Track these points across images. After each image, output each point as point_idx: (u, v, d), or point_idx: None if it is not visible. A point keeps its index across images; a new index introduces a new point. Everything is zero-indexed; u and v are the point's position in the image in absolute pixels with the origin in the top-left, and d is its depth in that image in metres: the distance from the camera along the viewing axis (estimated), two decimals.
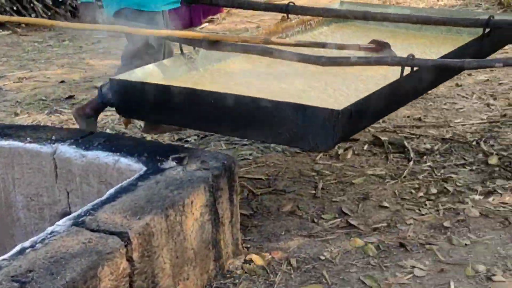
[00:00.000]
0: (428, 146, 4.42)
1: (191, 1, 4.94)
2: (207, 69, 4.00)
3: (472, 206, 3.53)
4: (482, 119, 4.88)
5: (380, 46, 4.11)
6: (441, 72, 3.84)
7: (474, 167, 4.05)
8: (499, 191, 3.71)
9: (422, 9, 6.17)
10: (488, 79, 5.74)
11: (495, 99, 5.33)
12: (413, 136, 4.60)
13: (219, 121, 3.37)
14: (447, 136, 4.57)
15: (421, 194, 3.71)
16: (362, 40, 4.30)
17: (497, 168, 4.01)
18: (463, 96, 5.44)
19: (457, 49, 3.88)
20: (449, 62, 3.63)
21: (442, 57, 3.73)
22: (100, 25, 4.12)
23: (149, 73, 3.76)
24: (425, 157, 4.23)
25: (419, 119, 4.92)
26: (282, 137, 3.20)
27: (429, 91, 4.86)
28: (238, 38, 4.02)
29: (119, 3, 4.31)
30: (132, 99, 3.59)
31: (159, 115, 3.59)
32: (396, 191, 3.77)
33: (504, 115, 4.91)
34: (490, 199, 3.62)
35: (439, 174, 3.97)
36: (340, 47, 3.99)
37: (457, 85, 5.65)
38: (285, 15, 4.72)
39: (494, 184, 3.80)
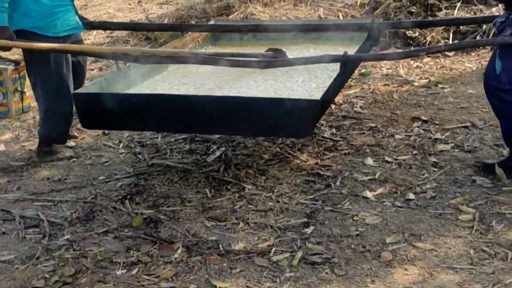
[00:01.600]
0: (67, 213, 3.95)
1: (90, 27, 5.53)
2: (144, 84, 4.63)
3: (114, 285, 3.16)
4: (128, 172, 4.54)
5: (277, 52, 4.73)
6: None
7: (118, 234, 3.66)
8: (144, 260, 3.38)
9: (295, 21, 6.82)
10: None
11: (142, 146, 5.05)
12: (51, 203, 4.14)
13: (197, 122, 3.90)
14: (89, 198, 4.16)
15: (56, 278, 3.24)
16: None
17: (142, 232, 3.67)
18: (110, 147, 5.11)
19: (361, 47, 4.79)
20: (383, 56, 4.90)
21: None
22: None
23: (103, 88, 4.28)
24: (63, 228, 3.77)
25: (59, 180, 4.51)
26: (264, 129, 3.89)
27: None
28: (169, 52, 4.51)
29: (19, 24, 4.55)
30: (99, 110, 3.98)
31: (143, 122, 4.08)
32: (26, 279, 3.26)
33: (152, 165, 4.64)
34: (134, 271, 3.28)
35: (78, 248, 3.53)
36: (250, 55, 4.61)
37: (104, 133, 5.35)
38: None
39: (139, 251, 3.47)
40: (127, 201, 4.11)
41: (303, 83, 4.52)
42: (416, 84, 6.26)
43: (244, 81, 4.64)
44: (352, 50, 4.65)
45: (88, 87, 4.33)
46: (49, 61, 4.60)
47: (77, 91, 4.23)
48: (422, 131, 5.00)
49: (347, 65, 4.30)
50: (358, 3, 8.53)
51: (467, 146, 4.67)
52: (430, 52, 5.47)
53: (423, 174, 4.27)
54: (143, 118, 4.00)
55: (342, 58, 4.11)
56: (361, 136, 4.96)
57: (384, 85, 6.30)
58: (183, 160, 4.72)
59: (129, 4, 9.93)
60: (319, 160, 4.54)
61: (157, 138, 5.23)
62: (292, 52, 5.18)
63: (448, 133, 4.92)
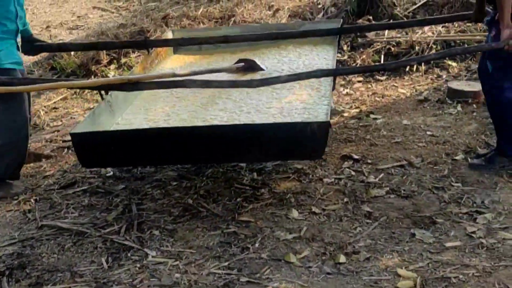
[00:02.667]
0: None
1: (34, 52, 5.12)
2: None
3: None
4: (13, 238, 3.94)
5: (248, 63, 4.98)
6: None
7: None
8: None
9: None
10: None
11: (36, 200, 4.48)
12: None
13: (209, 152, 3.84)
14: None
15: None
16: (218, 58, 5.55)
17: None
18: None
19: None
20: (374, 67, 5.53)
21: None
22: None
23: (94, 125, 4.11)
24: None
25: None
26: (278, 154, 3.87)
27: None
28: (153, 76, 4.41)
29: None
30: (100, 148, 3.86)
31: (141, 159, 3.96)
32: None
33: (42, 227, 4.05)
34: None
35: None
36: (224, 70, 4.89)
37: None
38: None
39: None
40: (4, 278, 3.47)
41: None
42: (346, 114, 5.79)
43: (224, 98, 4.65)
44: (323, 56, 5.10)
45: (82, 125, 4.01)
46: (9, 94, 4.31)
47: (73, 130, 3.87)
48: (353, 173, 4.50)
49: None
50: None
51: (403, 190, 4.19)
52: (421, 60, 5.68)
53: (356, 228, 3.76)
54: (148, 153, 3.86)
55: (334, 72, 4.28)
56: (285, 181, 4.43)
57: None
58: (79, 220, 4.11)
59: (36, 31, 9.21)
60: (236, 215, 3.99)
61: (53, 190, 4.60)
62: (262, 60, 5.30)
63: (382, 175, 4.44)
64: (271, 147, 3.75)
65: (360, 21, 7.61)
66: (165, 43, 5.52)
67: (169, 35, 6.04)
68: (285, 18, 8.13)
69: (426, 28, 7.43)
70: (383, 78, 6.74)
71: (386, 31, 7.48)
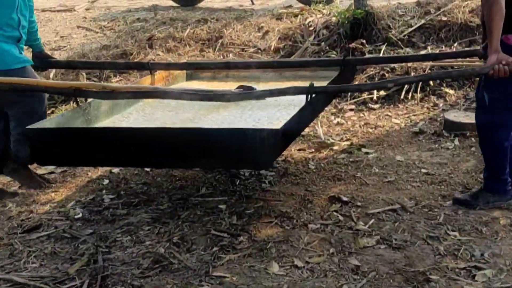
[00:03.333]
0: None
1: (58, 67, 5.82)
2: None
3: None
4: None
5: (248, 89, 4.82)
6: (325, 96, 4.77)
7: None
8: None
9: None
10: None
11: None
12: None
13: (159, 155, 3.83)
14: None
15: None
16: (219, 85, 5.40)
17: None
18: None
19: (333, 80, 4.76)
20: (347, 87, 4.86)
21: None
22: None
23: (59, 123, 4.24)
24: None
25: None
26: (225, 162, 3.85)
27: None
28: (130, 87, 4.40)
29: None
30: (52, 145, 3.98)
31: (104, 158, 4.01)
32: None
33: None
34: None
35: None
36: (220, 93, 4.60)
37: None
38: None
39: None
40: None
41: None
42: (336, 148, 5.47)
43: (210, 116, 4.65)
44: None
45: (42, 122, 4.25)
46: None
47: (29, 126, 4.10)
48: (341, 218, 4.16)
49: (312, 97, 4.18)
50: (272, 48, 7.73)
51: (395, 240, 3.85)
52: (398, 83, 5.12)
53: (341, 286, 3.42)
54: (98, 152, 3.92)
55: (307, 90, 4.06)
56: (266, 227, 4.09)
57: (299, 149, 5.48)
58: (40, 271, 3.76)
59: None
60: (211, 268, 3.64)
61: (16, 234, 4.25)
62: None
63: (372, 221, 4.10)
64: (220, 153, 3.71)
65: (353, 44, 7.29)
66: (168, 66, 5.64)
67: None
68: (274, 41, 7.82)
69: (422, 53, 7.12)
70: (376, 106, 6.44)
71: (381, 54, 7.17)
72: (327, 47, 7.38)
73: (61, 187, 5.09)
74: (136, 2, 11.76)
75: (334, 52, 7.28)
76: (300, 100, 4.19)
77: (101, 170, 5.35)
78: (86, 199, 4.77)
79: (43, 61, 5.14)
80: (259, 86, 5.14)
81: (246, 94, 4.28)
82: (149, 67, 5.27)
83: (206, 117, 4.64)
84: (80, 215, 4.48)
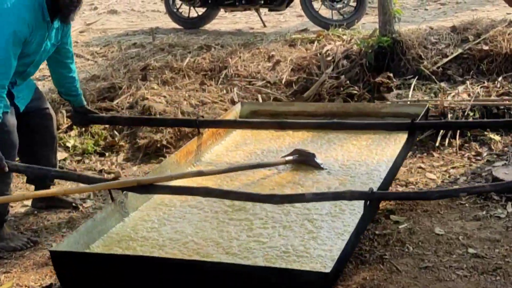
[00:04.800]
0: None
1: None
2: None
3: None
4: None
5: (305, 156, 4.70)
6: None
7: None
8: None
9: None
10: None
11: None
12: None
13: None
14: None
15: None
16: (273, 145, 5.23)
17: None
18: None
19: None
20: (408, 195, 4.27)
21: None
22: None
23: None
24: None
25: None
26: None
27: None
28: (170, 177, 4.16)
29: None
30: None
31: None
32: None
33: None
34: None
35: None
36: (269, 164, 4.67)
37: None
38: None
39: None
40: None
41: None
42: None
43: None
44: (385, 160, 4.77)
45: (69, 238, 3.77)
46: None
47: (53, 248, 3.79)
48: None
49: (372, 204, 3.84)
50: (284, 81, 6.80)
51: None
52: (472, 192, 4.44)
53: None
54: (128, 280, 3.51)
55: (367, 196, 3.66)
56: None
57: None
58: None
59: None
60: None
61: None
62: (321, 153, 4.98)
63: None
64: None
65: (378, 78, 6.35)
66: (216, 124, 5.39)
67: (237, 107, 5.80)
68: (286, 72, 6.89)
69: (460, 89, 6.17)
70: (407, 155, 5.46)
71: (410, 92, 6.22)
72: (348, 81, 6.44)
73: (16, 264, 4.19)
74: (136, 23, 10.89)
75: (356, 88, 6.34)
76: None
77: None
78: (42, 285, 3.88)
79: (84, 117, 5.01)
80: (314, 145, 5.09)
81: (297, 196, 3.93)
82: (197, 125, 5.17)
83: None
84: None
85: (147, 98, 6.63)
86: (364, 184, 4.44)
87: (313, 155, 4.75)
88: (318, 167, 4.73)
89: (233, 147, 5.30)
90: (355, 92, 6.31)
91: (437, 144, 5.57)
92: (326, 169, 4.71)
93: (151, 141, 6.04)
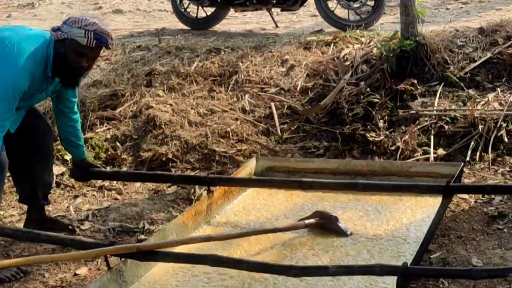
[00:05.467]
0: None
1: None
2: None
3: None
4: None
5: (326, 219, 4.20)
6: None
7: None
8: None
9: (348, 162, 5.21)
10: None
11: None
12: None
13: None
14: None
15: None
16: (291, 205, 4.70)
17: None
18: None
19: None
20: (453, 272, 3.48)
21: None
22: None
23: None
24: None
25: None
26: None
27: None
28: (175, 242, 3.79)
29: None
30: None
31: None
32: None
33: None
34: None
35: None
36: (287, 229, 4.15)
37: None
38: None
39: None
40: None
41: None
42: None
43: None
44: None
45: None
46: None
47: None
48: None
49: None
50: (299, 88, 6.38)
51: None
52: None
53: None
54: None
55: (401, 271, 3.21)
56: None
57: None
58: None
59: None
60: None
61: None
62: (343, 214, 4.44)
63: None
64: None
65: (401, 86, 5.93)
66: (229, 182, 4.82)
67: (251, 163, 5.22)
68: (301, 78, 6.47)
69: (490, 97, 5.74)
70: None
71: (436, 100, 5.80)
72: (368, 88, 6.01)
73: None
74: (142, 23, 10.48)
75: (377, 96, 5.91)
76: None
77: (63, 270, 4.07)
78: None
79: (85, 171, 4.72)
80: (337, 207, 4.60)
81: (317, 269, 3.42)
82: (208, 183, 4.64)
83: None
84: None
85: (151, 107, 6.24)
86: (394, 255, 3.91)
87: (336, 219, 4.22)
88: (341, 232, 4.19)
89: (247, 207, 4.78)
90: (376, 100, 5.88)
91: (467, 158, 5.16)
92: (350, 234, 4.18)
93: (155, 154, 5.65)
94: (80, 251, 3.73)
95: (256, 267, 3.48)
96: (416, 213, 4.42)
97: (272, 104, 6.23)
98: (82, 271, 4.03)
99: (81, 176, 4.82)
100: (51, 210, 4.99)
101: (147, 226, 4.61)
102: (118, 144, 5.96)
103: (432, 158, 5.21)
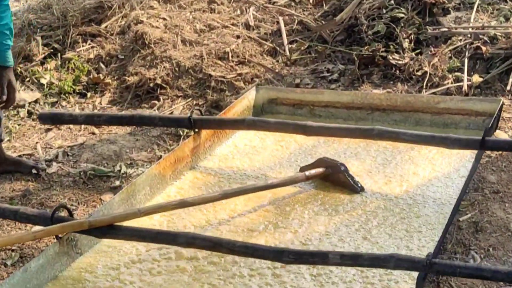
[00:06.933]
0: None
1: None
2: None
3: None
4: None
5: (332, 169, 3.51)
6: None
7: None
8: None
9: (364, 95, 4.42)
10: None
11: None
12: None
13: None
14: None
15: None
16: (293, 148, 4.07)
17: None
18: None
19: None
20: (488, 274, 2.54)
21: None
22: None
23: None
24: None
25: None
26: None
27: None
28: (139, 212, 3.06)
29: None
30: None
31: None
32: None
33: None
34: None
35: None
36: (283, 183, 3.45)
37: None
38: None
39: None
40: None
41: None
42: None
43: None
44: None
45: None
46: None
47: None
48: None
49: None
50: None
51: None
52: None
53: None
54: None
55: (422, 267, 2.53)
56: None
57: None
58: None
59: None
60: None
61: None
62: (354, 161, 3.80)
63: None
64: None
65: None
66: (217, 125, 4.12)
67: (250, 94, 4.50)
68: None
69: None
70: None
71: (473, 15, 5.01)
72: (391, 1, 5.22)
73: None
74: None
75: (402, 10, 5.13)
76: None
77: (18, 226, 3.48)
78: None
79: None
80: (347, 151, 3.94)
81: (315, 257, 2.71)
82: (192, 125, 3.99)
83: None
84: None
85: (141, 22, 5.51)
86: (418, 213, 3.25)
87: (344, 168, 3.51)
88: (350, 186, 3.50)
89: (240, 150, 4.14)
90: (401, 15, 5.11)
91: (508, 87, 4.42)
92: (361, 189, 3.49)
93: (142, 79, 4.96)
94: (12, 234, 3.21)
95: (240, 250, 2.80)
96: (442, 165, 3.70)
97: (281, 18, 5.48)
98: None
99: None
100: (17, 146, 4.40)
101: (124, 169, 3.98)
102: (102, 65, 5.28)
103: (465, 87, 4.46)
